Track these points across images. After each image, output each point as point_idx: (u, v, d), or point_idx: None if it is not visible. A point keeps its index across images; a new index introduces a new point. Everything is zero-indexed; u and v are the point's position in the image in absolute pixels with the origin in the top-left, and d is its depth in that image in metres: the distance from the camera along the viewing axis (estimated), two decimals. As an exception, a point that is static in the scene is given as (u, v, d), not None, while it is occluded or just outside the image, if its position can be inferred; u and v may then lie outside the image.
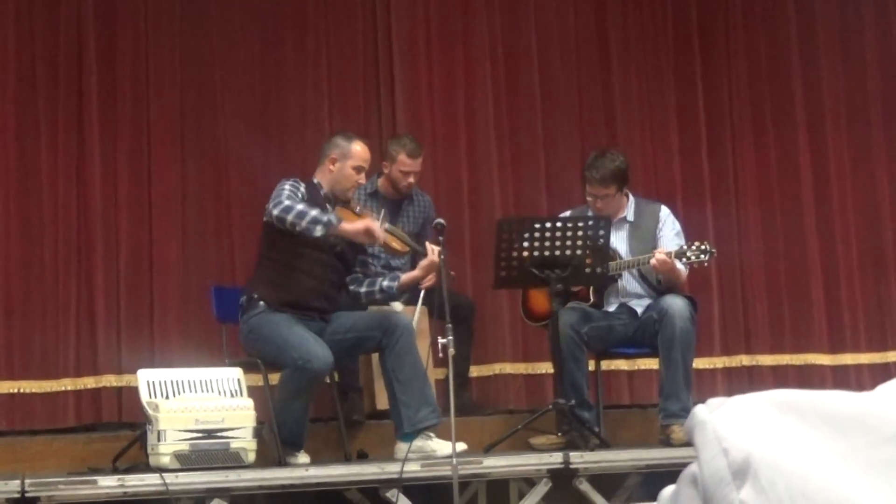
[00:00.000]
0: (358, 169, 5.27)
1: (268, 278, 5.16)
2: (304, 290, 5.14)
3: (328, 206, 5.24)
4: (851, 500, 0.50)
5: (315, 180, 5.29)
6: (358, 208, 5.35)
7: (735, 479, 0.53)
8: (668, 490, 0.59)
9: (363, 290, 5.31)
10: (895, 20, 7.49)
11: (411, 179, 5.93)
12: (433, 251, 5.18)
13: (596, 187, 5.57)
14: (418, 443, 5.05)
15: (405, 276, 5.32)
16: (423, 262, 5.27)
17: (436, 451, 5.03)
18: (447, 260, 5.11)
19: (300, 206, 4.98)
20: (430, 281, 5.44)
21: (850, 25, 7.46)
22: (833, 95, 7.34)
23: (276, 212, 4.98)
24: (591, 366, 5.67)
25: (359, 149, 5.29)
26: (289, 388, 5.04)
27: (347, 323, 5.22)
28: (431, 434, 5.09)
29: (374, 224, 5.07)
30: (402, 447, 5.07)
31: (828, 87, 7.33)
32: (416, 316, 5.44)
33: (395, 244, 5.35)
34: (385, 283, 5.30)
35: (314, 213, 4.98)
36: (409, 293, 5.44)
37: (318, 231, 4.97)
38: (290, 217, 4.96)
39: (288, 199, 5.00)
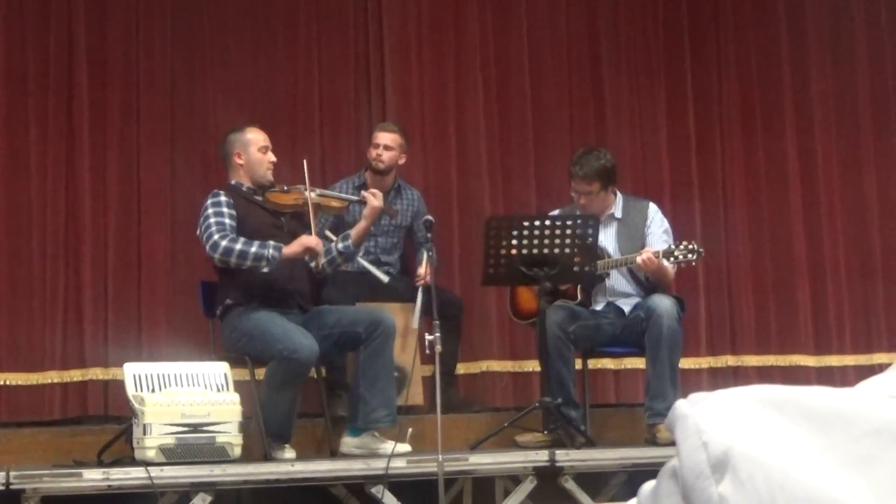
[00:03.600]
0: (263, 149, 5.35)
1: (234, 282, 5.17)
2: (271, 279, 5.15)
3: (257, 197, 5.30)
4: (829, 494, 0.51)
5: (232, 182, 5.35)
6: (285, 187, 5.39)
7: (714, 472, 0.53)
8: (649, 485, 0.59)
9: (323, 261, 5.31)
10: (885, 23, 7.51)
11: (380, 151, 5.98)
12: (372, 196, 5.27)
13: (580, 183, 5.59)
14: (365, 439, 5.13)
15: (355, 231, 5.32)
16: (365, 211, 5.32)
17: (378, 451, 5.09)
18: (436, 258, 5.13)
19: (238, 247, 5.06)
20: (423, 279, 5.47)
21: (840, 27, 7.48)
22: (822, 97, 7.36)
23: (217, 256, 5.08)
24: (578, 364, 5.68)
25: (254, 133, 5.38)
26: (276, 380, 5.04)
27: (333, 318, 5.22)
28: (377, 434, 5.14)
29: (310, 239, 5.12)
30: (348, 441, 5.15)
31: (817, 89, 7.35)
32: (416, 314, 5.46)
33: (334, 202, 5.47)
34: (340, 246, 5.30)
35: (254, 249, 5.05)
36: (364, 245, 5.49)
37: (264, 267, 5.06)
38: (232, 259, 5.07)
39: (222, 239, 5.07)
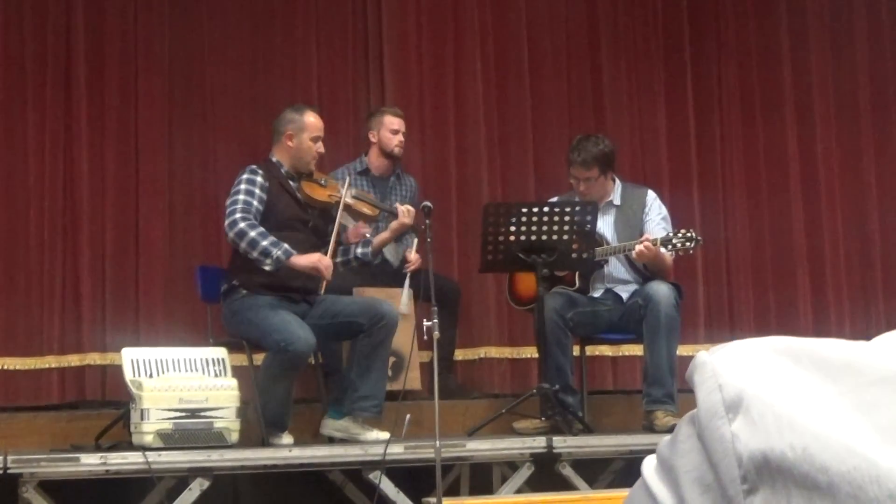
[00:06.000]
0: (315, 139, 5.30)
1: (245, 264, 5.15)
2: (282, 270, 5.15)
3: (292, 182, 5.28)
4: (834, 435, 0.55)
5: (274, 158, 5.32)
6: (323, 179, 5.37)
7: (728, 412, 0.57)
8: (667, 436, 0.63)
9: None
10: (885, 12, 7.52)
11: (401, 137, 5.98)
12: (404, 212, 5.31)
13: (578, 169, 5.60)
14: (347, 423, 5.16)
15: (377, 239, 5.37)
16: (394, 224, 5.38)
17: (358, 437, 5.12)
18: (434, 244, 5.13)
19: (252, 234, 5.03)
20: (415, 265, 5.47)
21: (841, 16, 7.48)
22: (822, 86, 7.36)
23: (230, 234, 5.09)
24: (576, 351, 5.69)
25: (313, 119, 5.33)
26: (272, 370, 5.04)
27: (335, 308, 5.22)
28: (360, 420, 5.17)
29: (322, 261, 5.07)
30: (329, 422, 5.18)
31: (817, 78, 7.36)
32: (404, 299, 5.46)
33: (366, 209, 5.45)
34: (359, 251, 5.35)
35: (265, 243, 5.02)
36: (381, 255, 5.51)
37: (267, 265, 5.03)
38: (242, 244, 5.06)
39: (242, 221, 5.05)
